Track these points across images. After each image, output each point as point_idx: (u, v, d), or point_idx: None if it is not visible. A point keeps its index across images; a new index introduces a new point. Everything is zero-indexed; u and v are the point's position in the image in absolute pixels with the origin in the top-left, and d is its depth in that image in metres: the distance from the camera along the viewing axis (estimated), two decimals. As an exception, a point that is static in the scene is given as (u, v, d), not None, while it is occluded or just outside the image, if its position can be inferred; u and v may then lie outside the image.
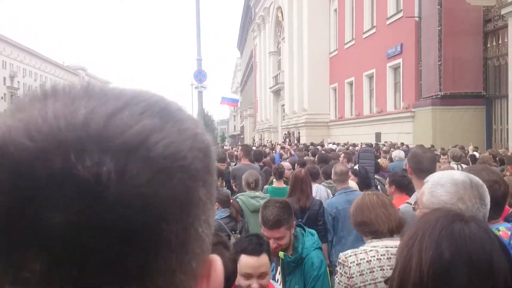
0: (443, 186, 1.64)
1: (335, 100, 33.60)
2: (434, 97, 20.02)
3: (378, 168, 6.73)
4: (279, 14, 42.77)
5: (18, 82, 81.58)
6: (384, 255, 2.28)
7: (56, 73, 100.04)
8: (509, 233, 2.00)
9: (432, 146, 15.58)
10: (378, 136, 25.17)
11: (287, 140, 34.25)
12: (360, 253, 2.30)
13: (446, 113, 19.66)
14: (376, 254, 2.28)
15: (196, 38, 19.96)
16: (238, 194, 4.95)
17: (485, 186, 1.65)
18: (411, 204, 2.95)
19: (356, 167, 6.18)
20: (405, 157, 11.11)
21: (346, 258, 2.30)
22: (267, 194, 5.25)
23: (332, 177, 4.87)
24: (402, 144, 18.21)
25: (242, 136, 72.21)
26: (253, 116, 62.30)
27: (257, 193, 4.98)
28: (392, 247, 2.32)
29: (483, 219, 1.58)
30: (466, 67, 19.26)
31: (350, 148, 16.79)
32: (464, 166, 8.50)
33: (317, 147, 19.15)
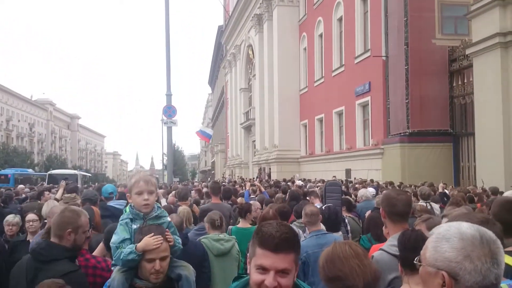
0: (448, 240, 1.37)
1: (306, 136, 33.76)
2: (402, 134, 20.28)
3: (350, 206, 6.50)
4: (250, 52, 43.31)
5: (-17, 116, 79.36)
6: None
7: (23, 108, 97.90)
8: None
9: (401, 183, 15.59)
10: (348, 172, 25.24)
11: (259, 176, 34.03)
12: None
13: (414, 150, 19.90)
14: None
15: (166, 74, 19.88)
16: (201, 237, 4.61)
17: (498, 242, 1.39)
18: (385, 251, 2.70)
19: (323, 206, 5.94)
20: (375, 195, 11.02)
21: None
22: (233, 236, 4.93)
23: (302, 218, 4.60)
24: (372, 181, 18.22)
25: (213, 172, 71.51)
26: (224, 151, 62.02)
27: (222, 235, 4.66)
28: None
29: (495, 281, 1.32)
30: (433, 105, 19.68)
31: (319, 184, 16.65)
32: (434, 204, 8.40)
33: (288, 183, 18.98)
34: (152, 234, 2.45)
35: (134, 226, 2.57)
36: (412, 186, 14.34)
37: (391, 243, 2.66)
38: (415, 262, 1.46)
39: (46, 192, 9.42)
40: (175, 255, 2.67)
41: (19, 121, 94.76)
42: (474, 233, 1.36)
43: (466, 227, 1.39)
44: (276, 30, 34.49)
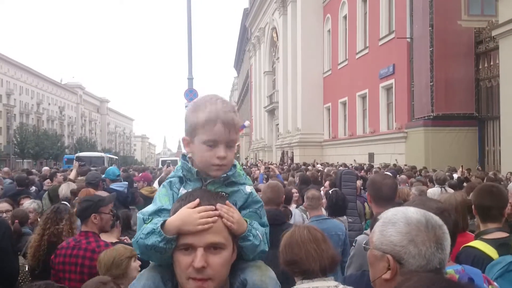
0: (394, 225, 1.39)
1: (329, 120, 33.52)
2: (426, 118, 19.92)
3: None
4: (274, 35, 43.01)
5: (15, 99, 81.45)
6: (315, 298, 2.05)
7: (54, 91, 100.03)
8: (457, 276, 1.76)
9: (424, 167, 15.37)
10: (371, 156, 25.01)
11: (282, 159, 34.11)
12: (289, 296, 2.07)
13: (438, 134, 19.53)
14: (306, 297, 2.05)
15: (188, 57, 19.92)
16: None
17: (444, 227, 1.41)
18: (368, 235, 2.72)
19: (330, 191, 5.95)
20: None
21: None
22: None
23: (304, 202, 4.63)
24: (395, 165, 18.01)
25: (238, 155, 71.96)
26: (249, 135, 62.21)
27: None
28: (323, 288, 2.09)
29: (439, 266, 1.35)
30: (458, 88, 19.22)
31: (340, 168, 16.58)
32: (449, 189, 8.28)
33: (308, 167, 18.97)
34: (198, 202, 1.41)
35: (184, 191, 1.55)
36: (437, 171, 14.15)
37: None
38: (363, 245, 1.49)
39: (59, 174, 9.69)
40: (248, 255, 1.52)
41: (49, 104, 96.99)
42: (419, 218, 1.38)
43: (413, 212, 1.41)
44: (300, 12, 34.06)
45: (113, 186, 6.51)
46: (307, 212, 4.67)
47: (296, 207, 5.91)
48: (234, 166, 1.58)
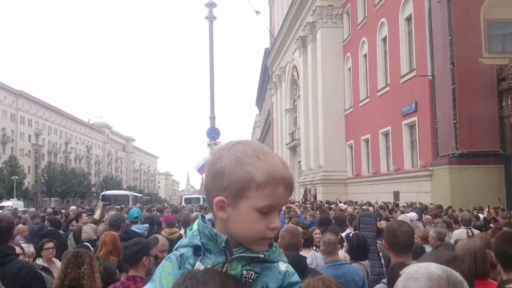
0: (417, 280, 1.42)
1: (352, 157, 33.33)
2: (451, 155, 19.66)
3: (379, 232, 6.40)
4: (295, 73, 43.59)
5: (43, 139, 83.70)
6: None
7: (81, 131, 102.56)
8: None
9: (450, 207, 15.05)
10: (396, 195, 24.62)
11: (304, 197, 33.87)
12: None
13: (464, 172, 19.20)
14: None
15: (210, 98, 20.44)
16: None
17: (465, 284, 1.43)
18: (386, 284, 2.71)
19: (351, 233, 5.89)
20: (418, 219, 10.72)
21: None
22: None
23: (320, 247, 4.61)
24: (421, 203, 17.66)
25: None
26: (271, 172, 62.06)
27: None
28: None
29: None
30: (482, 125, 19.00)
31: (364, 207, 16.36)
32: (475, 230, 8.08)
33: (331, 205, 18.77)
34: None
35: (201, 266, 1.19)
36: (464, 210, 13.84)
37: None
38: None
39: (84, 215, 9.84)
40: None
41: (77, 143, 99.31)
42: (441, 274, 1.40)
43: (434, 268, 1.43)
44: (320, 51, 34.58)
45: (134, 228, 6.58)
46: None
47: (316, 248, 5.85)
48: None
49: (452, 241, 6.66)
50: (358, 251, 5.09)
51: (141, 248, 3.61)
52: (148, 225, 6.89)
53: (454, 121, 19.19)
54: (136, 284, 3.43)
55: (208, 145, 20.41)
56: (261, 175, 1.14)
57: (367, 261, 5.13)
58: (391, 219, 10.33)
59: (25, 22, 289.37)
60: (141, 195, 57.86)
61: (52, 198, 70.45)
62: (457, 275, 1.43)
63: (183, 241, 1.27)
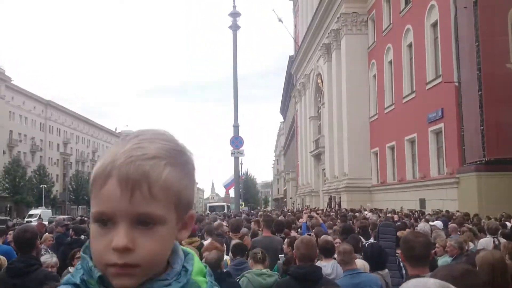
0: None
1: (377, 164, 32.97)
2: (478, 162, 19.29)
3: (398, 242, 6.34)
4: (319, 81, 43.51)
5: (71, 148, 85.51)
6: None
7: (108, 140, 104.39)
8: None
9: (476, 215, 14.74)
10: (422, 202, 24.26)
11: (329, 205, 33.64)
12: None
13: (492, 179, 18.81)
14: None
15: (234, 106, 20.61)
16: (244, 272, 4.76)
17: None
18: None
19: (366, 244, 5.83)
20: (443, 227, 10.55)
21: None
22: (275, 272, 5.02)
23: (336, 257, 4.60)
24: (447, 211, 17.35)
25: (285, 200, 71.56)
26: (295, 179, 61.99)
27: (264, 270, 4.78)
28: None
29: None
30: (510, 132, 18.58)
31: (388, 215, 16.18)
32: (502, 240, 7.88)
33: (356, 213, 18.62)
34: None
35: None
36: (492, 218, 13.52)
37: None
38: None
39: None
40: None
41: (104, 152, 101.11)
42: None
43: (432, 283, 1.43)
44: (345, 58, 34.45)
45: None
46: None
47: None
48: (184, 268, 0.89)
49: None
50: (373, 261, 5.06)
51: None
52: None
53: (481, 128, 18.84)
54: None
55: (232, 153, 20.59)
56: (95, 169, 0.84)
57: (386, 271, 5.08)
58: (416, 227, 10.18)
59: (54, 33, 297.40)
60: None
61: (79, 206, 71.82)
62: None
63: (66, 276, 0.91)
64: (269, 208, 60.98)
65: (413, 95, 26.97)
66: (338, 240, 6.72)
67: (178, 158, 0.87)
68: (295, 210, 27.69)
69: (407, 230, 8.74)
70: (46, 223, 17.61)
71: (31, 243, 3.86)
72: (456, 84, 21.32)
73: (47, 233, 9.20)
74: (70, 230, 9.06)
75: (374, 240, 6.77)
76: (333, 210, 26.26)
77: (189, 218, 0.91)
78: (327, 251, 5.24)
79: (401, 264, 5.88)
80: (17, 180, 54.29)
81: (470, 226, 10.12)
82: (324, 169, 42.23)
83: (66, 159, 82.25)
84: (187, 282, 0.87)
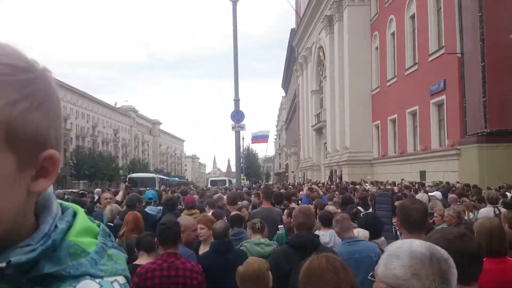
0: (398, 258, 1.39)
1: (378, 137, 32.92)
2: (479, 134, 19.22)
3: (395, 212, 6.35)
4: (321, 54, 43.06)
5: (71, 123, 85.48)
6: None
7: (108, 115, 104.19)
8: None
9: (475, 186, 14.75)
10: (422, 174, 24.32)
11: (330, 179, 33.75)
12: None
13: (493, 150, 18.78)
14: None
15: (234, 80, 20.41)
16: (243, 242, 4.77)
17: (450, 261, 1.38)
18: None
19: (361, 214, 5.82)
20: (442, 198, 10.55)
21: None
22: (274, 241, 5.04)
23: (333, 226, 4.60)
24: (448, 183, 17.38)
25: (286, 174, 71.83)
26: (297, 154, 62.08)
27: (263, 239, 4.79)
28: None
29: None
30: (512, 103, 18.44)
31: (388, 187, 16.22)
32: (502, 209, 7.89)
33: (357, 186, 18.68)
34: None
35: None
36: (492, 189, 13.53)
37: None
38: (369, 277, 1.49)
39: (108, 194, 9.99)
40: None
41: (104, 127, 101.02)
42: (424, 252, 1.37)
43: (417, 245, 1.40)
44: (347, 30, 34.00)
45: (148, 209, 6.69)
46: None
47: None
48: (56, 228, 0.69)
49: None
50: (369, 230, 5.08)
51: (179, 230, 3.82)
52: (161, 207, 6.95)
53: (484, 99, 18.70)
54: (180, 259, 3.62)
55: (233, 128, 20.51)
56: None
57: (382, 239, 5.09)
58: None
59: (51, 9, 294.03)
60: (167, 178, 58.62)
61: (81, 181, 72.24)
62: (441, 252, 1.39)
63: None
64: (270, 182, 61.22)
65: (415, 67, 26.72)
66: (339, 211, 6.75)
67: (15, 75, 0.63)
68: (296, 183, 27.75)
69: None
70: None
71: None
72: (459, 55, 21.08)
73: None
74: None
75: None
76: (334, 183, 26.35)
77: (46, 161, 0.66)
78: (326, 220, 5.25)
79: (398, 232, 5.89)
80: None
81: (468, 200, 10.12)
82: (325, 143, 42.23)
83: (66, 134, 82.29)
84: (59, 244, 0.67)
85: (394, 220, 6.05)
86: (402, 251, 1.39)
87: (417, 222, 2.74)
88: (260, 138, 30.81)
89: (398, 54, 29.39)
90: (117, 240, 5.04)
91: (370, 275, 1.49)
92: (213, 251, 4.32)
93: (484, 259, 2.11)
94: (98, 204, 9.28)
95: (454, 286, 1.36)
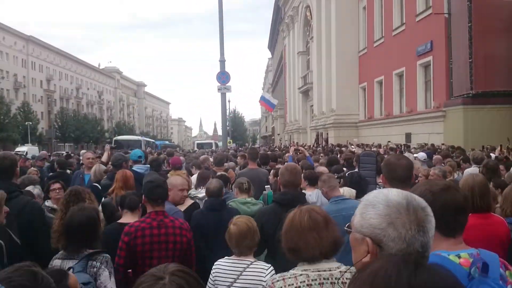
0: (374, 207, 1.35)
1: (365, 100, 32.94)
2: (465, 96, 19.31)
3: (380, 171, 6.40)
4: (308, 13, 42.38)
5: (55, 85, 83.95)
6: (316, 279, 2.05)
7: (92, 76, 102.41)
8: (471, 260, 1.65)
9: (459, 147, 14.93)
10: (408, 136, 24.51)
11: (316, 141, 33.90)
12: (289, 277, 2.08)
13: (478, 112, 18.93)
14: (307, 279, 2.06)
15: (219, 41, 19.95)
16: (229, 201, 4.77)
17: (428, 209, 1.35)
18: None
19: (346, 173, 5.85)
20: (427, 159, 10.66)
21: (273, 283, 2.09)
22: (260, 201, 5.04)
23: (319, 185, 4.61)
24: (433, 145, 17.56)
25: (273, 137, 71.97)
26: (283, 117, 62.03)
27: (249, 199, 4.79)
28: (325, 270, 2.09)
29: (421, 249, 1.30)
30: (499, 65, 18.47)
31: (373, 149, 16.34)
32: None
33: (342, 148, 18.79)
34: None
35: None
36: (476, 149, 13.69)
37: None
38: (345, 228, 1.46)
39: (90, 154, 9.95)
40: None
41: (88, 89, 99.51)
42: (400, 200, 1.34)
43: (394, 194, 1.37)
44: (334, -11, 33.35)
45: (135, 167, 6.66)
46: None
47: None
48: None
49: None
50: (353, 188, 5.11)
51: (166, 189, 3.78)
52: (149, 165, 6.93)
53: (470, 60, 18.68)
54: (168, 217, 3.59)
55: (218, 89, 20.21)
56: None
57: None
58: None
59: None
60: (153, 141, 58.35)
61: (66, 144, 71.66)
62: (419, 201, 1.36)
63: None
64: (257, 145, 61.41)
65: (402, 28, 26.48)
66: (326, 170, 6.76)
67: None
68: (282, 146, 27.83)
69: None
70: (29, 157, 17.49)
71: (11, 170, 3.78)
72: (446, 15, 20.88)
73: (32, 168, 9.14)
74: (55, 163, 9.00)
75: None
76: (320, 146, 26.47)
77: None
78: (312, 180, 5.25)
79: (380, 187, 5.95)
80: (1, 117, 53.36)
81: (452, 161, 10.24)
82: (312, 105, 42.16)
83: (50, 96, 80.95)
84: None
85: (379, 179, 6.10)
86: (378, 200, 1.35)
87: (402, 178, 2.72)
88: (267, 102, 30.27)
89: (386, 14, 29.02)
90: (106, 198, 5.03)
91: (346, 225, 1.46)
92: (208, 208, 4.36)
93: (469, 215, 2.10)
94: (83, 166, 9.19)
95: (431, 234, 1.33)
